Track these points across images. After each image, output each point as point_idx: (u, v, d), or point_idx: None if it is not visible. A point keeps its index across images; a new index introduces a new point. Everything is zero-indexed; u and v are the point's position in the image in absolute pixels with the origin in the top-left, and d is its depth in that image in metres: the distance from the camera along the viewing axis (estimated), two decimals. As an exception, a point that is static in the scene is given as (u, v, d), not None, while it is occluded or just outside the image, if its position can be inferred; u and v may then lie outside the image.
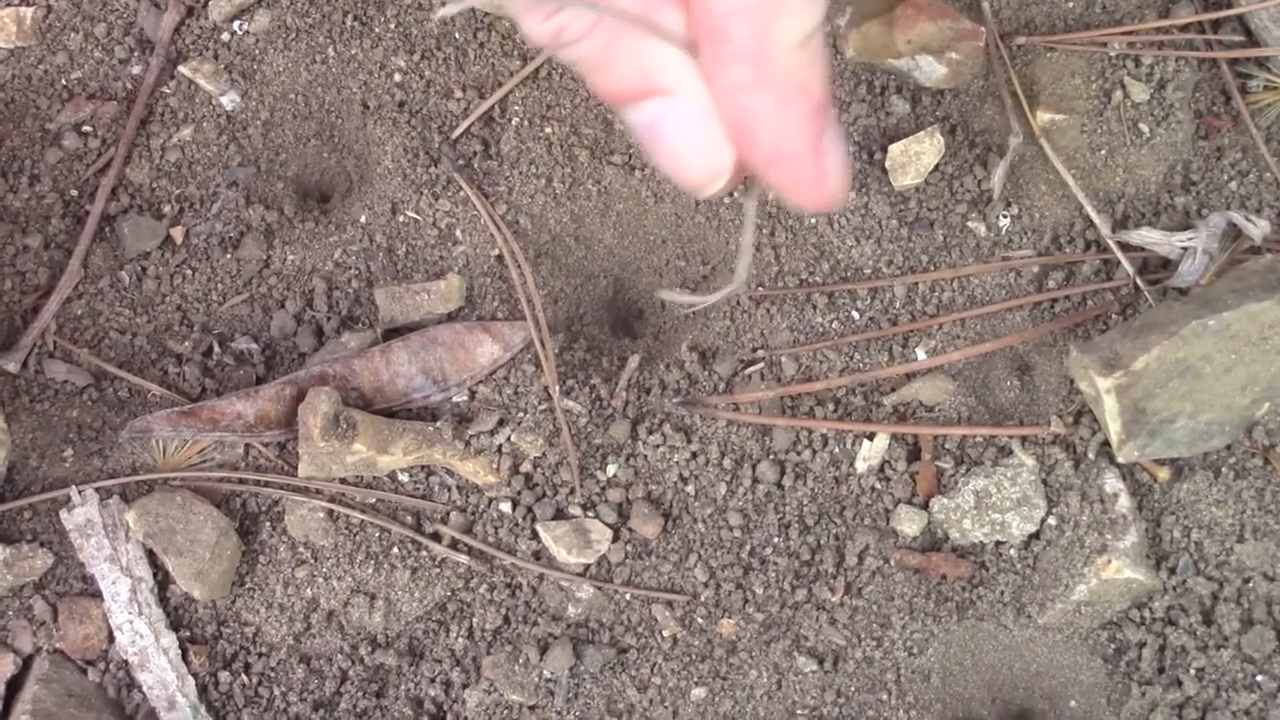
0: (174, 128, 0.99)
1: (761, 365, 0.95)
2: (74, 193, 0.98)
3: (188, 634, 0.91)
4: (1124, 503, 0.91)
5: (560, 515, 0.92)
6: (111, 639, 0.90)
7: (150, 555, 0.91)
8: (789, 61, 0.47)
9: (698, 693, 0.92)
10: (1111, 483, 0.92)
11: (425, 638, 0.93)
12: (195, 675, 0.90)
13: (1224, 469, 0.93)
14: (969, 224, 0.98)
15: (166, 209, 0.98)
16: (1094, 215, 0.97)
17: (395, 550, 0.92)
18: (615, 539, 0.92)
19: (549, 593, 0.92)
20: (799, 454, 0.94)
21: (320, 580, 0.92)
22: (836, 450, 0.94)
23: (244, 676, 0.91)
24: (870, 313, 0.96)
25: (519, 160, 0.98)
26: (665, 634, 0.92)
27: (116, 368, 0.95)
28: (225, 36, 1.01)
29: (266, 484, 0.93)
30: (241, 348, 0.95)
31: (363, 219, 0.98)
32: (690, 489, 0.93)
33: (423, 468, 0.93)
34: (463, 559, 0.92)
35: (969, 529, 0.92)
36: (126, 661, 0.90)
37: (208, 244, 0.97)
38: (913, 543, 0.93)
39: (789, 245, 0.97)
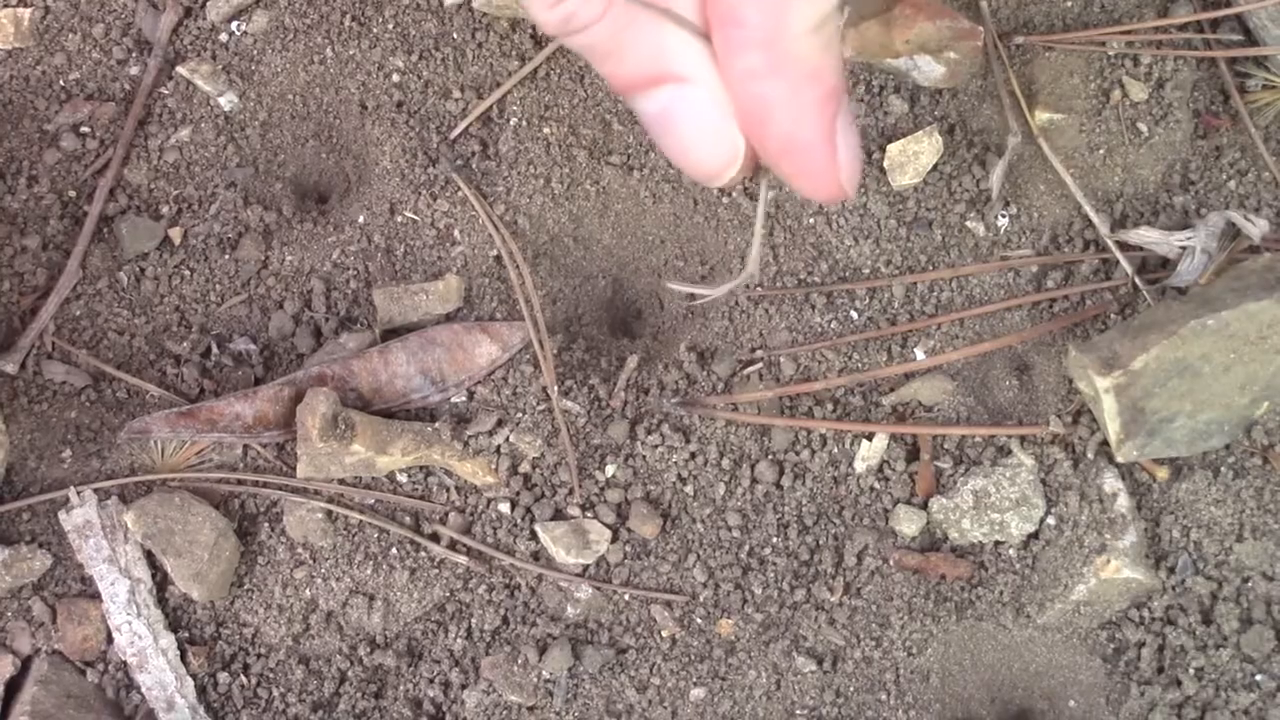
0: (172, 128, 0.99)
1: (760, 365, 0.95)
2: (72, 194, 0.98)
3: (186, 635, 0.91)
4: (1123, 502, 0.91)
5: (559, 516, 0.92)
6: (110, 640, 0.90)
7: (149, 556, 0.91)
8: (802, 47, 0.46)
9: (697, 693, 0.91)
10: (1110, 482, 0.92)
11: (424, 638, 0.93)
12: (194, 676, 0.90)
13: (1223, 468, 0.93)
14: (967, 224, 0.98)
15: (165, 210, 0.98)
16: (1092, 215, 0.97)
17: (394, 551, 0.92)
18: (614, 539, 0.92)
19: (548, 593, 0.92)
20: (798, 454, 0.93)
21: (319, 581, 0.92)
22: (835, 450, 0.94)
23: (243, 677, 0.91)
24: (869, 313, 0.96)
25: (517, 160, 0.98)
26: (664, 634, 0.92)
27: (115, 368, 0.95)
28: (223, 37, 1.01)
29: (265, 485, 0.93)
30: (240, 348, 0.95)
31: (361, 219, 0.98)
32: (689, 489, 0.93)
33: (421, 468, 0.93)
34: (461, 559, 0.92)
35: (968, 529, 0.92)
36: (125, 662, 0.90)
37: (206, 245, 0.97)
38: (912, 543, 0.93)
39: (787, 245, 0.97)
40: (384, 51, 0.99)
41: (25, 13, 0.99)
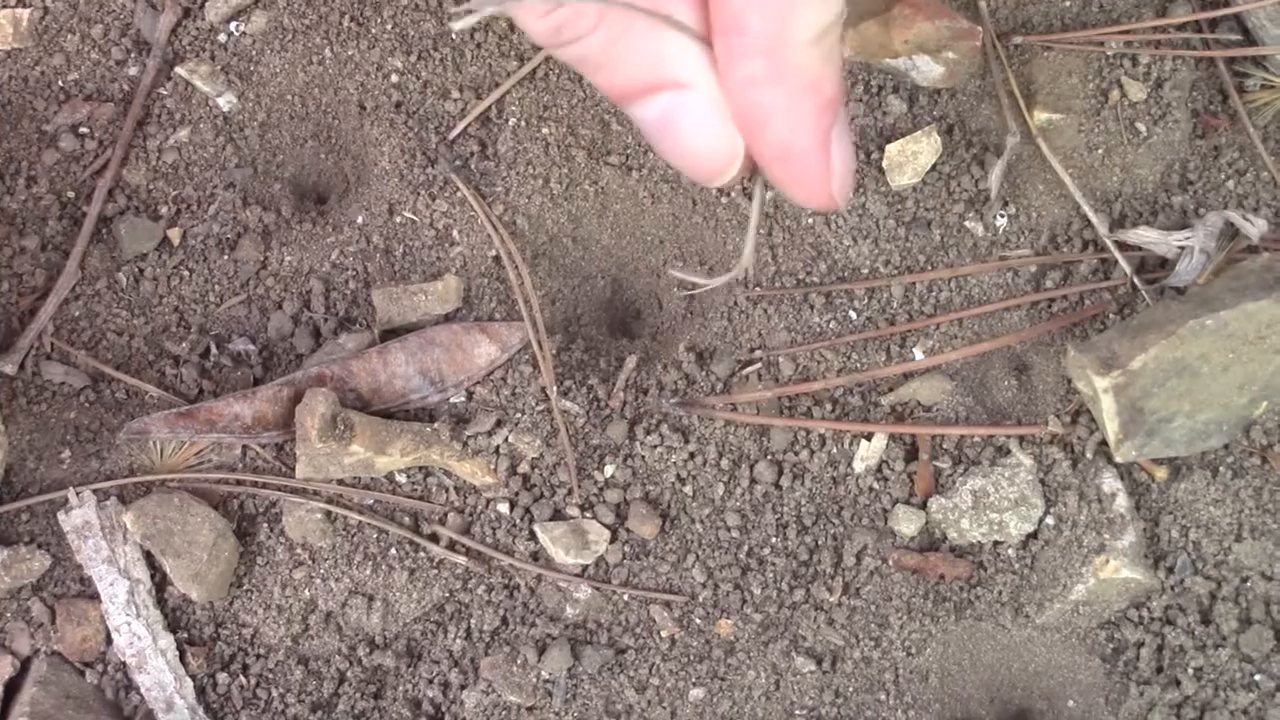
0: (171, 129, 0.99)
1: (759, 365, 0.95)
2: (71, 194, 0.98)
3: (185, 635, 0.91)
4: (1122, 502, 0.91)
5: (558, 516, 0.92)
6: (109, 640, 0.90)
7: (148, 557, 0.91)
8: (803, 57, 0.46)
9: (696, 693, 0.92)
10: (1109, 482, 0.92)
11: (423, 639, 0.93)
12: (193, 677, 0.90)
13: (1222, 468, 0.93)
14: (966, 224, 0.98)
15: (163, 210, 0.98)
16: (1091, 215, 0.97)
17: (393, 551, 0.92)
18: (613, 540, 0.92)
19: (547, 593, 0.92)
20: (796, 454, 0.93)
21: (318, 581, 0.92)
22: (834, 450, 0.94)
23: (242, 678, 0.91)
24: (868, 313, 0.96)
25: (516, 161, 0.98)
26: (663, 634, 0.92)
27: (114, 369, 0.95)
28: (222, 38, 1.01)
29: (264, 485, 0.93)
30: (239, 349, 0.95)
31: (360, 220, 0.98)
32: (688, 489, 0.93)
33: (420, 469, 0.93)
34: (460, 560, 0.92)
35: (967, 529, 0.92)
36: (124, 663, 0.90)
37: (205, 245, 0.97)
38: (911, 543, 0.93)
39: (786, 245, 0.97)
40: (383, 52, 0.99)
41: (24, 13, 0.99)
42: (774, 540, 0.93)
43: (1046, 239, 0.98)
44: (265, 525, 0.93)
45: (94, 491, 0.91)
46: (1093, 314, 0.95)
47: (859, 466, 0.93)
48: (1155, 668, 0.91)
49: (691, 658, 0.92)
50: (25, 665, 0.90)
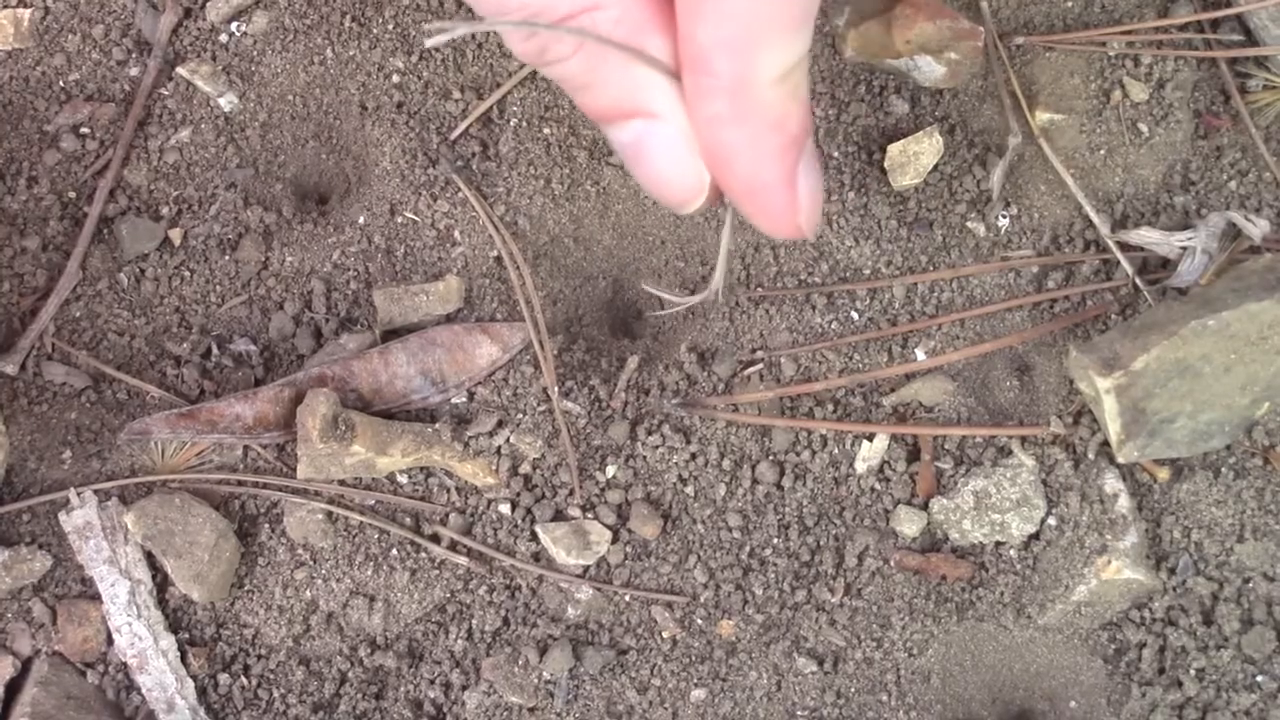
0: (172, 129, 0.99)
1: (760, 366, 0.95)
2: (72, 194, 0.98)
3: (187, 636, 0.91)
4: (1124, 503, 0.91)
5: (559, 516, 0.92)
6: (110, 641, 0.90)
7: (149, 557, 0.91)
8: (768, 96, 0.48)
9: (697, 694, 0.91)
10: (1111, 483, 0.92)
11: (424, 639, 0.93)
12: (194, 677, 0.90)
13: (1224, 469, 0.93)
14: (968, 224, 0.98)
15: (165, 211, 0.98)
16: (1093, 215, 0.96)
17: (394, 552, 0.92)
18: (614, 540, 0.92)
19: (548, 594, 0.92)
20: (798, 455, 0.93)
21: (319, 582, 0.92)
22: (836, 451, 0.93)
23: (243, 678, 0.91)
24: (869, 313, 0.96)
25: (517, 161, 0.98)
26: (665, 635, 0.92)
27: (115, 370, 0.95)
28: (223, 38, 1.00)
29: (265, 486, 0.93)
30: (240, 349, 0.95)
31: (361, 220, 0.98)
32: (689, 490, 0.93)
33: (422, 469, 0.93)
34: (462, 560, 0.92)
35: (969, 529, 0.92)
36: (125, 664, 0.90)
37: (206, 246, 0.97)
38: (912, 543, 0.93)
39: (787, 246, 0.97)
40: (384, 52, 0.99)
41: (25, 13, 0.99)
42: (776, 541, 0.93)
43: (1048, 239, 0.98)
44: (266, 526, 0.93)
45: (95, 492, 0.91)
46: (1095, 314, 0.95)
47: (861, 467, 0.93)
48: (1157, 669, 0.91)
49: (693, 658, 0.92)
50: (26, 666, 0.90)
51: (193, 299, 0.97)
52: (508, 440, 0.92)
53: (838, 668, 0.92)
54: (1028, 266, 0.97)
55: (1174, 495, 0.93)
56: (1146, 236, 0.95)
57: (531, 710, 0.91)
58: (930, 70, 0.96)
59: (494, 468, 0.92)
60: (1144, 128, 0.98)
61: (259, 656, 0.92)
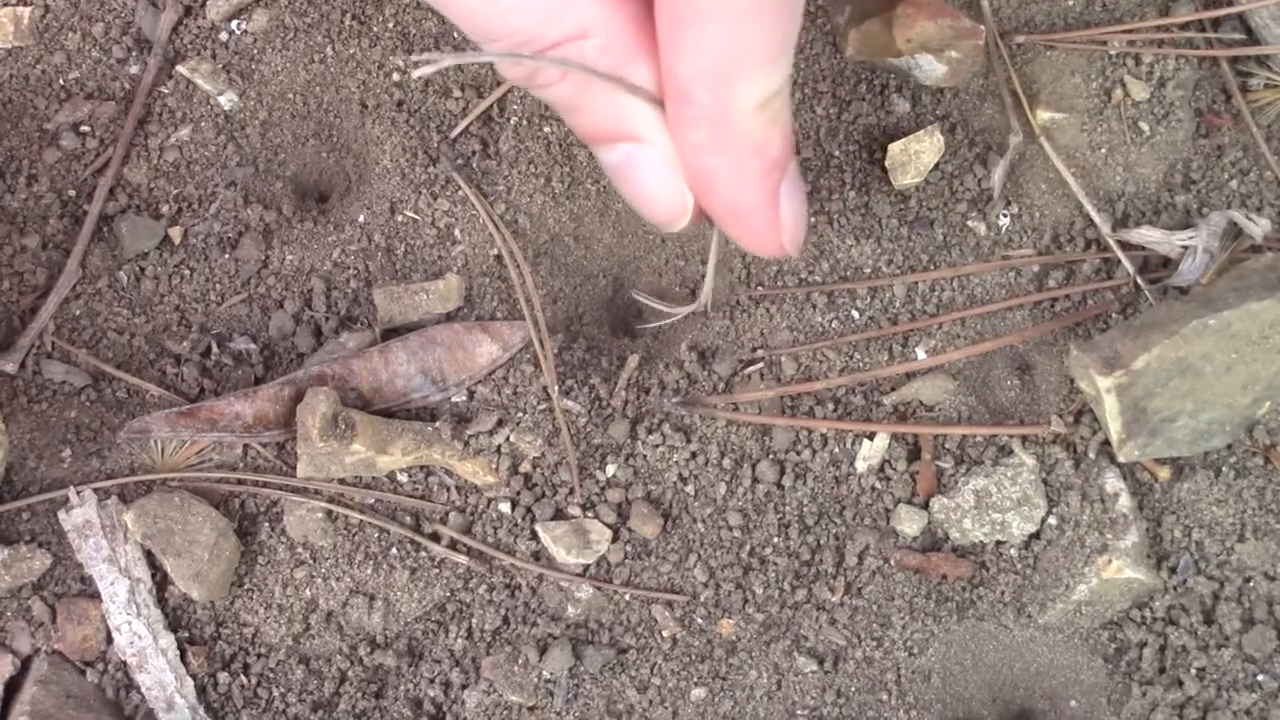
0: (172, 127, 0.99)
1: (761, 365, 0.95)
2: (72, 193, 0.98)
3: (186, 635, 0.91)
4: (1124, 502, 0.91)
5: (559, 515, 0.92)
6: (110, 640, 0.90)
7: (149, 556, 0.91)
8: (748, 124, 0.50)
9: (697, 693, 0.91)
10: (1112, 482, 0.92)
11: (424, 638, 0.93)
12: (194, 676, 0.90)
13: (1225, 468, 0.93)
14: (969, 223, 0.98)
15: (164, 209, 0.98)
16: (1094, 214, 0.96)
17: (394, 551, 0.92)
18: (615, 539, 0.92)
19: (548, 593, 0.92)
20: (799, 454, 0.93)
21: (319, 581, 0.92)
22: (836, 450, 0.93)
23: (243, 677, 0.91)
24: (870, 312, 0.96)
25: (518, 159, 0.98)
26: (665, 634, 0.92)
27: (115, 368, 0.95)
28: (223, 36, 1.00)
29: (265, 484, 0.93)
30: (240, 348, 0.95)
31: (361, 219, 0.97)
32: (690, 489, 0.93)
33: (421, 468, 0.93)
34: (462, 559, 0.92)
35: (969, 529, 0.92)
36: (125, 662, 0.90)
37: (206, 244, 0.97)
38: (913, 542, 0.93)
39: (788, 244, 0.97)
40: (384, 50, 0.99)
41: (25, 11, 0.99)
42: (776, 540, 0.92)
43: (1049, 238, 0.98)
44: (266, 524, 0.93)
45: (95, 490, 0.91)
46: (1095, 313, 0.95)
47: (861, 466, 0.93)
48: (1158, 668, 0.91)
49: (693, 657, 0.92)
50: (26, 664, 0.90)
51: (193, 297, 0.97)
52: (508, 439, 0.92)
53: (838, 667, 0.92)
54: (1028, 265, 0.97)
55: (1175, 494, 0.93)
56: (1147, 235, 0.95)
57: (531, 709, 0.91)
58: (931, 69, 0.96)
59: (494, 466, 0.92)
60: (1145, 126, 0.98)
61: (258, 655, 0.92)
